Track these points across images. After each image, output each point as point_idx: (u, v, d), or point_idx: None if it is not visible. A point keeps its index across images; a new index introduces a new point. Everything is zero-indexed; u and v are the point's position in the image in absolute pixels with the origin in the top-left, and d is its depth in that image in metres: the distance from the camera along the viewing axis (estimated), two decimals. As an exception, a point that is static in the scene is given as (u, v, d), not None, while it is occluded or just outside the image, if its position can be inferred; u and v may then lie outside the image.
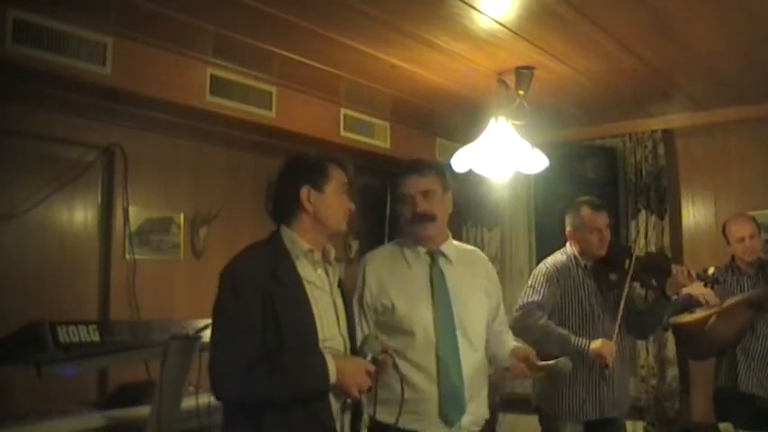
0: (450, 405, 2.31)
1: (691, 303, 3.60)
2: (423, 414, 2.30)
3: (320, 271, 2.12)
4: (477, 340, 2.45)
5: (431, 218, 2.41)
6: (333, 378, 1.93)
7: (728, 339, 3.55)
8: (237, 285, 1.97)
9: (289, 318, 1.95)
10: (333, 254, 2.18)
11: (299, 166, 2.13)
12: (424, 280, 2.42)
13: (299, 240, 2.08)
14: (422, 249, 2.45)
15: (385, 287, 2.39)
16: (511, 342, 2.58)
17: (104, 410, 2.96)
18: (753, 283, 3.64)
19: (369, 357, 2.06)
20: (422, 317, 2.35)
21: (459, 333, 2.38)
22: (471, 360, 2.39)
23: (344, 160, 2.19)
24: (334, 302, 2.13)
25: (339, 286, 2.19)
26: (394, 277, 2.40)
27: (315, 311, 2.01)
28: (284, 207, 2.11)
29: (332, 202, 2.10)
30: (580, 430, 3.16)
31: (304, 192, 2.07)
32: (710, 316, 3.52)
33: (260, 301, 1.94)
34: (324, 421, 1.97)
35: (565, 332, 3.03)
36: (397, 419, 2.19)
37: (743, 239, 3.66)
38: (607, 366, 2.95)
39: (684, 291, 3.52)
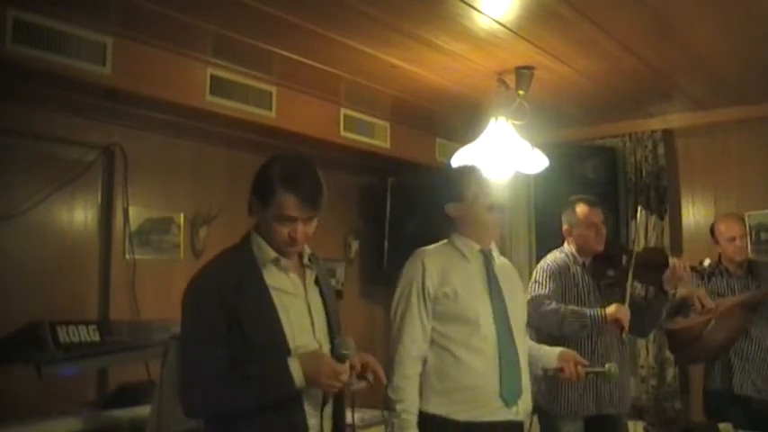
0: (510, 387, 2.41)
1: (683, 306, 3.58)
2: (483, 399, 2.38)
3: (292, 275, 2.05)
4: (524, 336, 2.60)
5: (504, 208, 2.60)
6: (300, 382, 1.88)
7: (723, 343, 3.53)
8: (199, 302, 1.94)
9: (255, 329, 1.91)
10: (307, 255, 2.10)
11: (259, 171, 2.03)
12: (481, 274, 2.52)
13: (265, 248, 2.01)
14: (476, 246, 2.55)
15: (446, 276, 2.46)
16: (542, 346, 2.72)
17: (104, 410, 2.96)
18: (742, 285, 3.62)
19: (338, 350, 2.02)
20: (483, 306, 2.46)
21: (513, 325, 2.50)
22: (523, 350, 2.52)
23: (311, 190, 1.97)
24: (309, 307, 2.05)
25: (317, 284, 2.12)
26: (453, 267, 2.49)
27: (284, 320, 1.95)
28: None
29: (269, 224, 1.99)
30: (580, 428, 3.17)
31: (253, 201, 2.02)
32: (709, 321, 3.50)
33: (223, 315, 1.89)
34: (297, 425, 1.94)
35: (577, 308, 3.10)
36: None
37: (734, 239, 3.65)
38: (623, 329, 3.01)
39: (678, 294, 3.52)
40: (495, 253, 2.62)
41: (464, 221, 2.55)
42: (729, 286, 3.63)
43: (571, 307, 3.09)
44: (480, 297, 2.48)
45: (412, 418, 2.35)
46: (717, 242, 3.73)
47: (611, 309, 3.03)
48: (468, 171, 2.63)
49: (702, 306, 3.47)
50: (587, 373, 2.65)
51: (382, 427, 2.46)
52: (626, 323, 3.00)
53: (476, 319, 2.42)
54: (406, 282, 2.48)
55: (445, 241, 2.61)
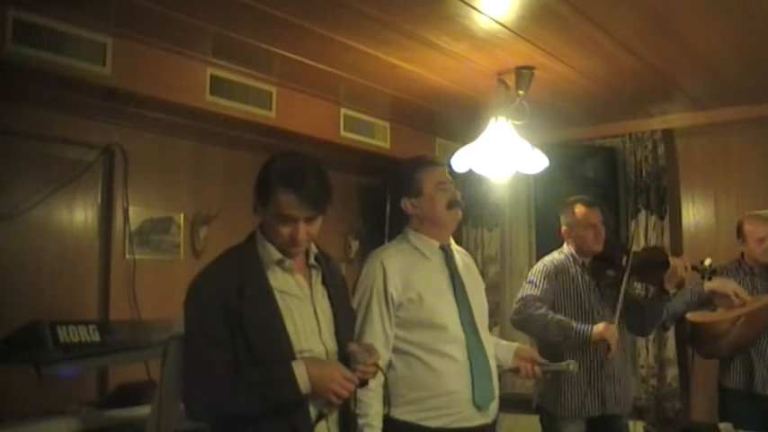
0: (483, 393, 2.33)
1: (710, 299, 3.58)
2: (456, 406, 2.30)
3: (298, 276, 2.00)
4: (488, 334, 2.50)
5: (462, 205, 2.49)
6: (305, 387, 1.84)
7: (746, 341, 3.53)
8: (200, 304, 1.91)
9: (257, 333, 1.87)
10: (312, 256, 2.05)
11: (260, 170, 1.97)
12: (443, 273, 2.42)
13: (269, 249, 1.96)
14: (435, 243, 2.45)
15: (409, 280, 2.34)
16: (500, 341, 2.62)
17: (104, 410, 2.96)
18: (763, 285, 3.62)
19: (352, 365, 1.95)
20: (449, 309, 2.36)
21: (478, 325, 2.41)
22: (491, 351, 2.43)
23: (312, 189, 1.91)
24: (315, 309, 2.00)
25: (325, 284, 2.07)
26: (415, 270, 2.38)
27: (289, 323, 1.92)
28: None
29: (270, 224, 1.95)
30: (582, 429, 3.17)
31: (255, 200, 1.98)
32: (738, 317, 3.48)
33: (225, 318, 1.86)
34: (300, 431, 1.89)
35: (565, 319, 3.04)
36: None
37: (763, 240, 3.64)
38: (609, 350, 2.94)
39: (707, 287, 3.50)
40: (454, 246, 2.52)
41: (421, 218, 2.45)
42: (753, 285, 3.64)
43: (558, 316, 3.03)
44: (445, 299, 2.38)
45: None
46: (744, 241, 3.71)
47: (598, 328, 2.95)
48: (425, 164, 2.50)
49: (739, 299, 3.45)
50: (545, 372, 2.57)
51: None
52: (613, 344, 2.93)
53: (443, 324, 2.33)
54: (366, 287, 2.35)
55: (401, 238, 2.50)
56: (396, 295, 2.32)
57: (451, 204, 2.43)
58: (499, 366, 2.50)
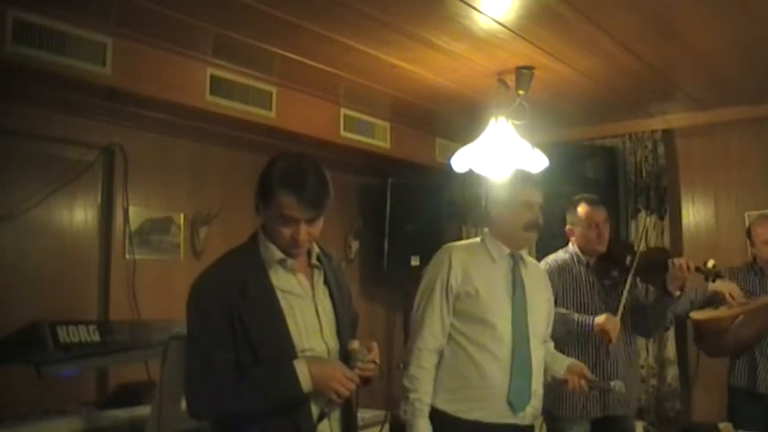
0: (518, 394, 2.43)
1: (714, 299, 3.60)
2: (490, 401, 2.41)
3: (300, 276, 2.01)
4: (541, 342, 2.60)
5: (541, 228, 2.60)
6: (307, 385, 1.85)
7: (748, 340, 3.54)
8: (202, 304, 1.91)
9: (260, 333, 1.88)
10: (315, 255, 2.06)
11: (262, 171, 1.98)
12: (506, 277, 2.54)
13: (271, 249, 1.97)
14: (506, 250, 2.56)
15: (470, 275, 2.48)
16: (558, 354, 2.73)
17: (104, 410, 2.96)
18: None
19: (352, 363, 1.96)
20: (503, 310, 2.48)
21: (530, 332, 2.51)
22: (538, 358, 2.53)
23: (312, 190, 1.91)
24: (317, 308, 2.01)
25: (326, 284, 2.08)
26: (478, 268, 2.51)
27: (291, 322, 1.93)
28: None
29: (271, 225, 1.96)
30: (587, 430, 3.17)
31: (257, 201, 1.99)
32: (737, 315, 3.51)
33: (227, 318, 1.87)
34: (303, 429, 1.90)
35: (566, 311, 3.09)
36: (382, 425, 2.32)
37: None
38: (610, 341, 2.99)
39: (710, 287, 3.52)
40: (526, 257, 2.63)
41: (497, 224, 2.57)
42: (762, 285, 3.65)
43: (560, 310, 3.05)
44: (501, 300, 2.49)
45: (424, 408, 2.39)
46: (752, 243, 3.74)
47: (599, 319, 3.01)
48: (522, 179, 2.62)
49: (733, 299, 3.51)
50: (591, 388, 2.65)
51: (381, 427, 2.43)
52: (614, 335, 2.98)
53: (493, 322, 2.44)
54: (431, 276, 2.52)
55: (478, 240, 2.64)
56: (455, 286, 2.47)
57: (528, 226, 2.54)
58: (552, 377, 2.61)
